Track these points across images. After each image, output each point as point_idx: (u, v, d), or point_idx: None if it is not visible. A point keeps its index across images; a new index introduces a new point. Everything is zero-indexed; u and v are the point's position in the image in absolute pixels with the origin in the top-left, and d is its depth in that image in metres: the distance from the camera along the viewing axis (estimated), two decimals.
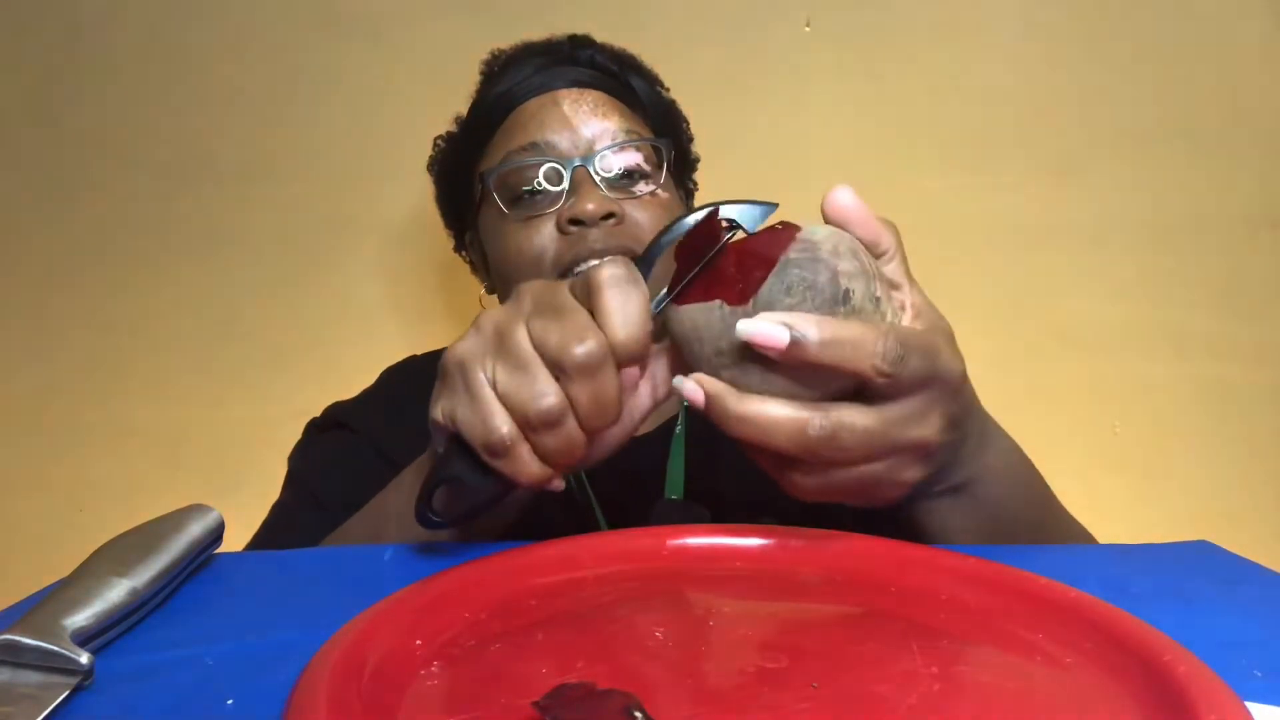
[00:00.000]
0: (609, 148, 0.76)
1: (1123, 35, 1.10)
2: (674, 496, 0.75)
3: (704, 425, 0.47)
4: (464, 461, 0.47)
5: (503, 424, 0.45)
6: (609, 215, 0.73)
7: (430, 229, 0.98)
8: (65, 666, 0.35)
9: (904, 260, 0.49)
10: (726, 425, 0.45)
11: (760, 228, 0.48)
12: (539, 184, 0.75)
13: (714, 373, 0.45)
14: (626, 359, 0.45)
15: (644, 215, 0.75)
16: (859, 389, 0.45)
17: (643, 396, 0.50)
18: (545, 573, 0.45)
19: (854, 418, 0.44)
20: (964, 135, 1.12)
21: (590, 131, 0.77)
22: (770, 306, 0.43)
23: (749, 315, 0.43)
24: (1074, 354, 1.13)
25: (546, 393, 0.44)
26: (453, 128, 0.88)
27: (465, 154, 0.84)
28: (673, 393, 0.48)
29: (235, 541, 0.55)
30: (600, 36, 0.86)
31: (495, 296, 0.85)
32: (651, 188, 0.77)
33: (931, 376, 0.45)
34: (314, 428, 0.84)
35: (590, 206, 0.72)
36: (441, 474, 0.48)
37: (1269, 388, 1.11)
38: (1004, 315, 1.12)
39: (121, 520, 0.48)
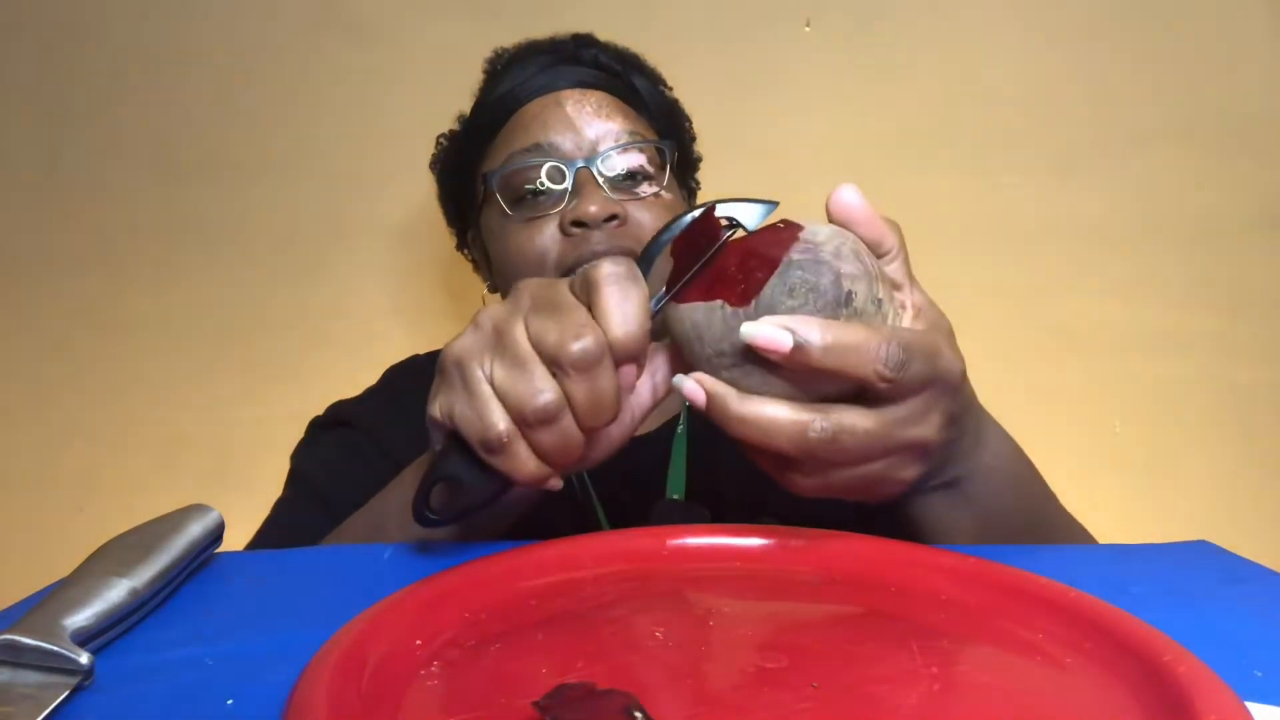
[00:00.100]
0: (612, 149, 0.76)
1: (1123, 35, 1.10)
2: (675, 496, 0.75)
3: (706, 425, 0.47)
4: (461, 459, 0.47)
5: (500, 420, 0.45)
6: (612, 217, 0.73)
7: (432, 228, 0.98)
8: (65, 666, 0.35)
9: (906, 260, 0.49)
10: (727, 426, 0.45)
11: (761, 226, 0.48)
12: (542, 185, 0.75)
13: (714, 372, 0.45)
14: (624, 357, 0.45)
15: (647, 216, 0.75)
16: (859, 389, 0.45)
17: (642, 395, 0.49)
18: (545, 573, 0.45)
19: (855, 420, 0.44)
20: (964, 135, 1.12)
21: (593, 133, 0.77)
22: (772, 308, 0.43)
23: (751, 316, 0.43)
24: (1074, 354, 1.13)
25: (544, 389, 0.44)
26: (455, 126, 0.88)
27: (468, 153, 0.84)
28: (673, 392, 0.48)
29: (235, 541, 0.55)
30: (601, 37, 0.86)
31: (498, 295, 0.85)
32: (655, 189, 0.77)
33: (932, 378, 0.45)
34: (317, 426, 0.84)
35: (593, 208, 0.72)
36: (439, 472, 0.48)
37: (1269, 388, 1.11)
38: (1004, 315, 1.12)
39: (121, 520, 0.48)
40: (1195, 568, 0.51)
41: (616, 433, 0.49)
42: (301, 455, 0.82)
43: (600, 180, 0.75)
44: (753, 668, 0.37)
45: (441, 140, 0.90)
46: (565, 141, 0.76)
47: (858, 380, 0.44)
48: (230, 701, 0.35)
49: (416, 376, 0.81)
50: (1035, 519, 0.58)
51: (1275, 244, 1.11)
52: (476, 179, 0.82)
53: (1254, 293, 1.11)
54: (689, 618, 0.43)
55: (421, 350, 0.90)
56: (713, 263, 0.47)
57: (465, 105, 0.86)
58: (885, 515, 0.55)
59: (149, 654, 0.39)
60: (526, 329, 0.46)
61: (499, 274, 0.81)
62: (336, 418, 0.83)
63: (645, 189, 0.77)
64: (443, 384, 0.48)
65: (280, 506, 0.78)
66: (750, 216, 0.49)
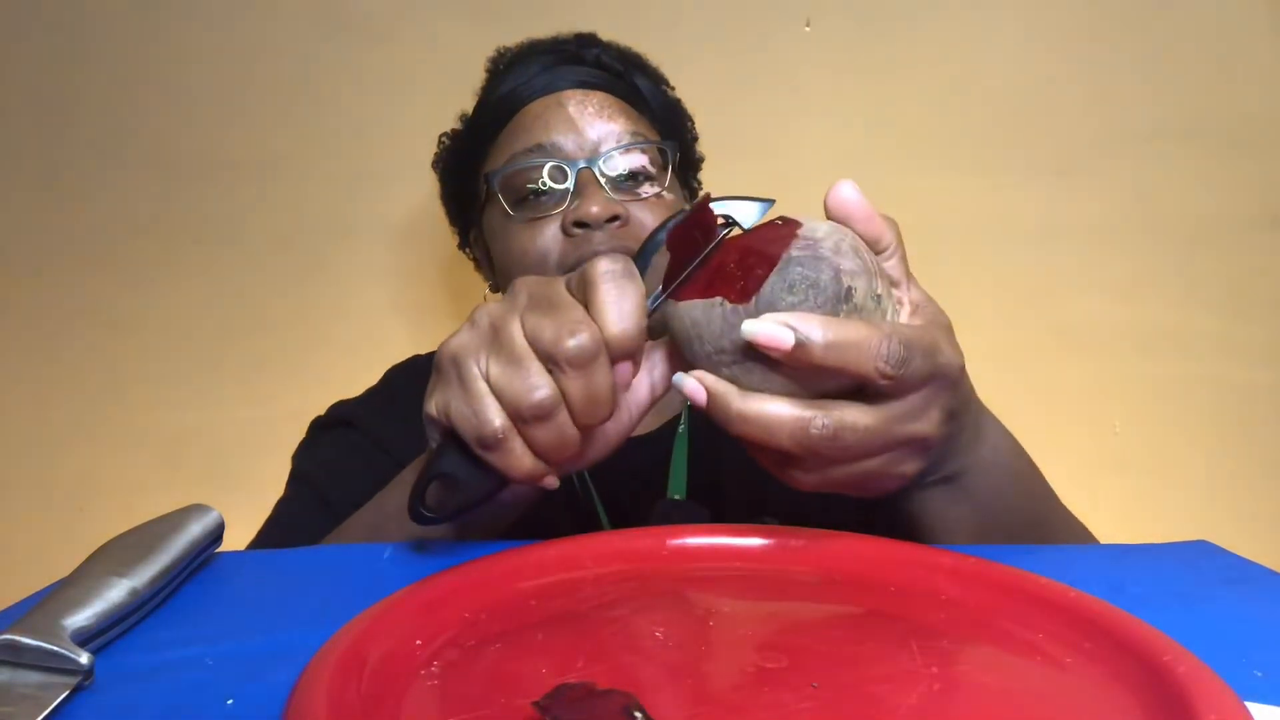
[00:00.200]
0: (614, 149, 0.76)
1: (1123, 36, 1.10)
2: (677, 496, 0.75)
3: (706, 424, 0.47)
4: (458, 456, 0.47)
5: (495, 416, 0.45)
6: (614, 218, 0.73)
7: (433, 228, 0.98)
8: (65, 666, 0.35)
9: (904, 257, 0.49)
10: (728, 423, 0.45)
11: (759, 223, 0.48)
12: (544, 185, 0.75)
13: (714, 370, 0.45)
14: (620, 353, 0.45)
15: (649, 217, 0.75)
16: (859, 385, 0.45)
17: (641, 392, 0.49)
18: (545, 573, 0.45)
19: (856, 417, 0.44)
20: (964, 135, 1.12)
21: (595, 133, 0.77)
22: (773, 305, 0.43)
23: (751, 313, 0.43)
24: (1074, 354, 1.13)
25: (539, 385, 0.44)
26: (458, 125, 0.88)
27: (470, 153, 0.84)
28: (672, 390, 0.48)
29: (235, 541, 0.55)
30: (602, 36, 0.86)
31: (500, 295, 0.85)
32: (656, 189, 0.77)
33: (932, 374, 0.45)
34: (318, 426, 0.85)
35: (595, 209, 0.72)
36: (435, 469, 0.48)
37: (1270, 388, 1.12)
38: (1004, 315, 1.12)
39: (121, 520, 0.48)
40: (1195, 568, 0.51)
41: (614, 431, 0.49)
42: (302, 455, 0.83)
43: (602, 181, 0.75)
44: (753, 668, 0.37)
45: (443, 140, 0.90)
46: (567, 142, 0.76)
47: (859, 377, 0.44)
48: (230, 701, 0.35)
49: (417, 376, 0.81)
50: (1035, 515, 0.58)
51: (1275, 244, 1.11)
52: (478, 179, 0.82)
53: (1254, 293, 1.12)
54: (689, 618, 0.43)
55: (423, 350, 0.91)
56: (710, 259, 0.47)
57: (467, 104, 0.86)
58: (885, 514, 0.55)
59: (149, 654, 0.39)
60: (523, 326, 0.46)
61: (501, 274, 0.81)
62: (338, 418, 0.83)
63: (647, 189, 0.77)
64: (439, 381, 0.48)
65: (281, 506, 0.78)
66: (746, 215, 0.49)
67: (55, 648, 0.35)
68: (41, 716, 0.33)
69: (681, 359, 0.48)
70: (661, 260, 0.49)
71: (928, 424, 0.47)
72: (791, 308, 0.43)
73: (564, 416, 0.45)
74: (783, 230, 0.45)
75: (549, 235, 0.75)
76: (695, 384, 0.45)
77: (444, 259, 1.14)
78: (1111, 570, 0.49)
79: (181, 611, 0.44)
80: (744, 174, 0.97)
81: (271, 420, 1.08)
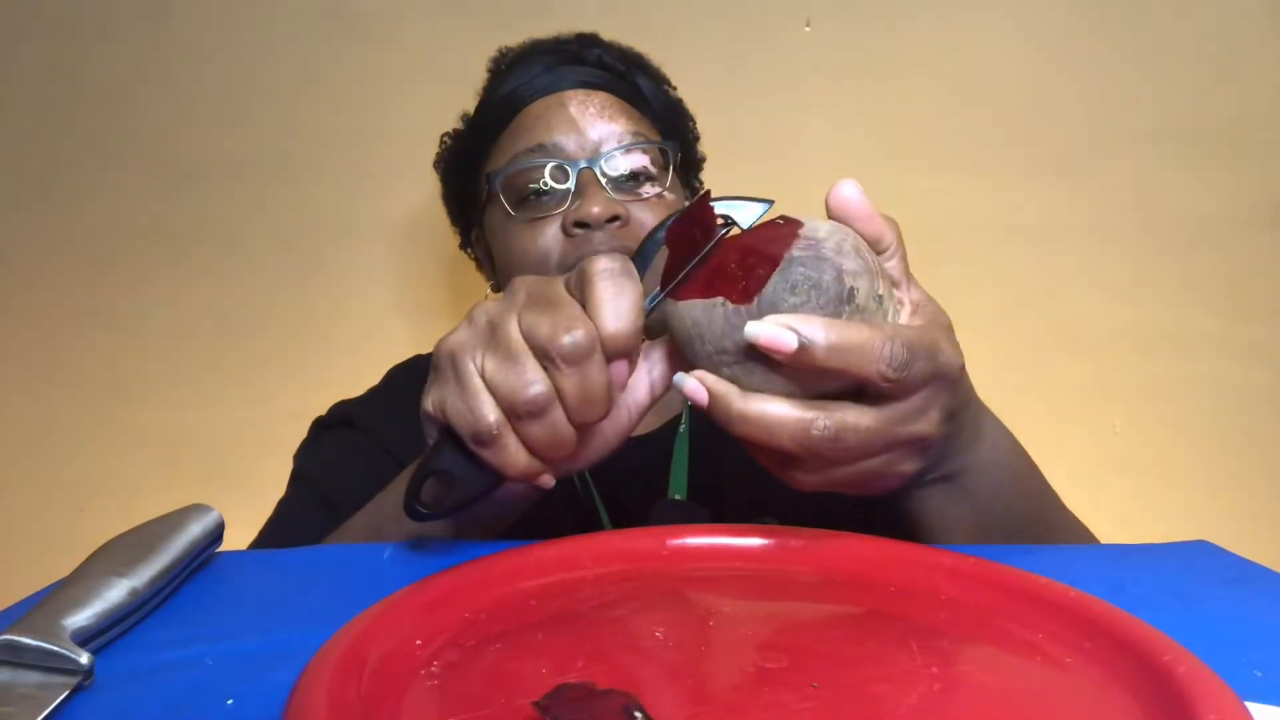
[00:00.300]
0: (615, 150, 0.76)
1: (1122, 36, 1.10)
2: (678, 496, 0.75)
3: (707, 424, 0.47)
4: (454, 453, 0.47)
5: (490, 413, 0.45)
6: (614, 218, 0.73)
7: (435, 228, 0.98)
8: (65, 666, 0.35)
9: (904, 256, 0.49)
10: (729, 424, 0.45)
11: (759, 223, 0.48)
12: (545, 185, 0.75)
13: (715, 370, 0.45)
14: (615, 351, 0.45)
15: (650, 217, 0.75)
16: (860, 387, 0.45)
17: (640, 392, 0.49)
18: (545, 573, 0.45)
19: (857, 418, 0.44)
20: (964, 135, 1.12)
21: (597, 134, 0.77)
22: (775, 305, 0.43)
23: (753, 314, 0.43)
24: (1074, 354, 1.13)
25: (533, 381, 0.44)
26: (459, 125, 0.88)
27: (472, 153, 0.84)
28: (673, 390, 0.48)
29: (235, 541, 0.55)
30: (602, 37, 0.86)
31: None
32: (658, 189, 0.77)
33: (933, 375, 0.45)
34: (320, 426, 0.85)
35: (595, 209, 0.72)
36: (431, 465, 0.48)
37: (1269, 388, 1.12)
38: (1004, 315, 1.12)
39: (121, 520, 0.48)
40: (1195, 568, 0.51)
41: (612, 431, 0.49)
42: (304, 455, 0.83)
43: (603, 181, 0.75)
44: (753, 668, 0.37)
45: (445, 139, 0.90)
46: (568, 142, 0.77)
47: (861, 380, 0.44)
48: (230, 701, 0.35)
49: (419, 376, 0.81)
50: (1034, 513, 0.58)
51: (1275, 244, 1.11)
52: (480, 178, 0.82)
53: (1254, 293, 1.12)
54: (689, 618, 0.43)
55: (424, 350, 0.90)
56: (710, 258, 0.47)
57: (468, 105, 0.86)
58: (885, 514, 0.55)
59: (149, 654, 0.39)
60: (519, 323, 0.46)
61: (502, 274, 0.81)
62: (339, 417, 0.83)
63: (648, 190, 0.77)
64: (436, 378, 0.48)
65: (282, 506, 0.78)
66: (745, 215, 0.49)
67: (55, 648, 0.35)
68: (41, 716, 0.33)
69: (681, 358, 0.48)
70: (660, 260, 0.49)
71: (928, 424, 0.47)
72: (794, 308, 0.43)
73: (558, 413, 0.45)
74: (784, 230, 0.45)
75: (550, 235, 0.75)
76: (696, 384, 0.45)
77: (445, 259, 1.14)
78: (1111, 570, 0.49)
79: (181, 611, 0.44)
80: (744, 174, 0.97)
81: (271, 420, 1.08)
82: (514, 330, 0.45)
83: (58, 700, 0.34)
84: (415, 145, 0.96)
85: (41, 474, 1.18)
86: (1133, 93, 1.10)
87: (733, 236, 0.48)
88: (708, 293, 0.45)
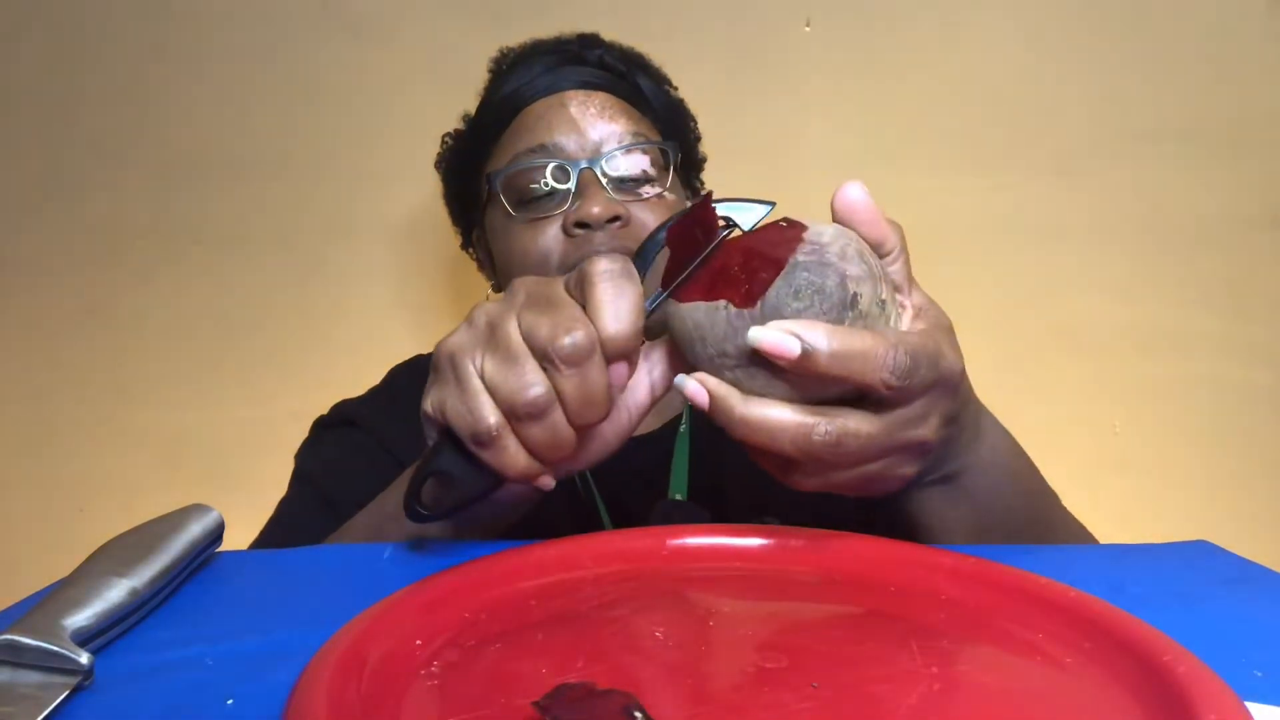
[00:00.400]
0: (616, 150, 0.76)
1: (1122, 36, 1.10)
2: (678, 496, 0.75)
3: (708, 424, 0.47)
4: (453, 454, 0.47)
5: (490, 414, 0.45)
6: (614, 218, 0.73)
7: (435, 229, 0.98)
8: (65, 666, 0.35)
9: (907, 261, 0.49)
10: (730, 427, 0.45)
11: (762, 225, 0.48)
12: (546, 185, 0.75)
13: (717, 373, 0.45)
14: (615, 353, 0.45)
15: (650, 218, 0.75)
16: (862, 392, 0.45)
17: (640, 393, 0.49)
18: (545, 573, 0.45)
19: (858, 424, 0.44)
20: (964, 135, 1.12)
21: (597, 134, 0.77)
22: (778, 310, 0.43)
23: (756, 319, 0.43)
24: (1074, 354, 1.13)
25: (534, 383, 0.44)
26: (461, 125, 0.88)
27: (473, 153, 0.84)
28: (673, 391, 0.48)
29: (235, 541, 0.55)
30: (603, 37, 0.86)
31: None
32: (658, 190, 0.78)
33: (935, 381, 0.45)
34: (321, 426, 0.85)
35: (596, 210, 0.72)
36: (430, 466, 0.48)
37: (1269, 388, 1.11)
38: (1004, 315, 1.12)
39: (121, 520, 0.48)
40: (1195, 568, 0.51)
41: (611, 432, 0.49)
42: (305, 455, 0.83)
43: (603, 181, 0.75)
44: (753, 668, 0.37)
45: (447, 140, 0.90)
46: (569, 142, 0.77)
47: (864, 387, 0.44)
48: (230, 701, 0.35)
49: (420, 376, 0.81)
50: (1034, 514, 0.58)
51: (1275, 244, 1.11)
52: (481, 179, 0.82)
53: (1254, 293, 1.12)
54: (689, 618, 0.43)
55: (425, 350, 0.90)
56: (712, 260, 0.47)
57: (469, 105, 0.86)
58: (885, 514, 0.55)
59: (149, 654, 0.39)
60: (519, 324, 0.46)
61: (502, 274, 0.81)
62: (341, 417, 0.83)
63: (648, 190, 0.77)
64: (436, 379, 0.48)
65: (284, 506, 0.78)
66: (747, 217, 0.49)
67: (55, 648, 0.35)
68: (41, 716, 0.33)
69: (682, 359, 0.48)
70: (661, 261, 0.48)
71: (928, 429, 0.47)
72: (797, 314, 0.43)
73: (558, 415, 0.45)
74: (788, 233, 0.45)
75: (550, 235, 0.75)
76: (697, 386, 0.45)
77: (445, 259, 1.14)
78: (1111, 570, 0.49)
79: (181, 611, 0.44)
80: (743, 174, 0.97)
81: (271, 420, 1.08)
82: (514, 331, 0.45)
83: (58, 700, 0.34)
84: (415, 145, 0.96)
85: (41, 474, 1.18)
86: (1133, 93, 1.10)
87: (735, 238, 0.48)
88: (710, 295, 0.45)
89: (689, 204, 0.84)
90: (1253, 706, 0.31)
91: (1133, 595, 0.45)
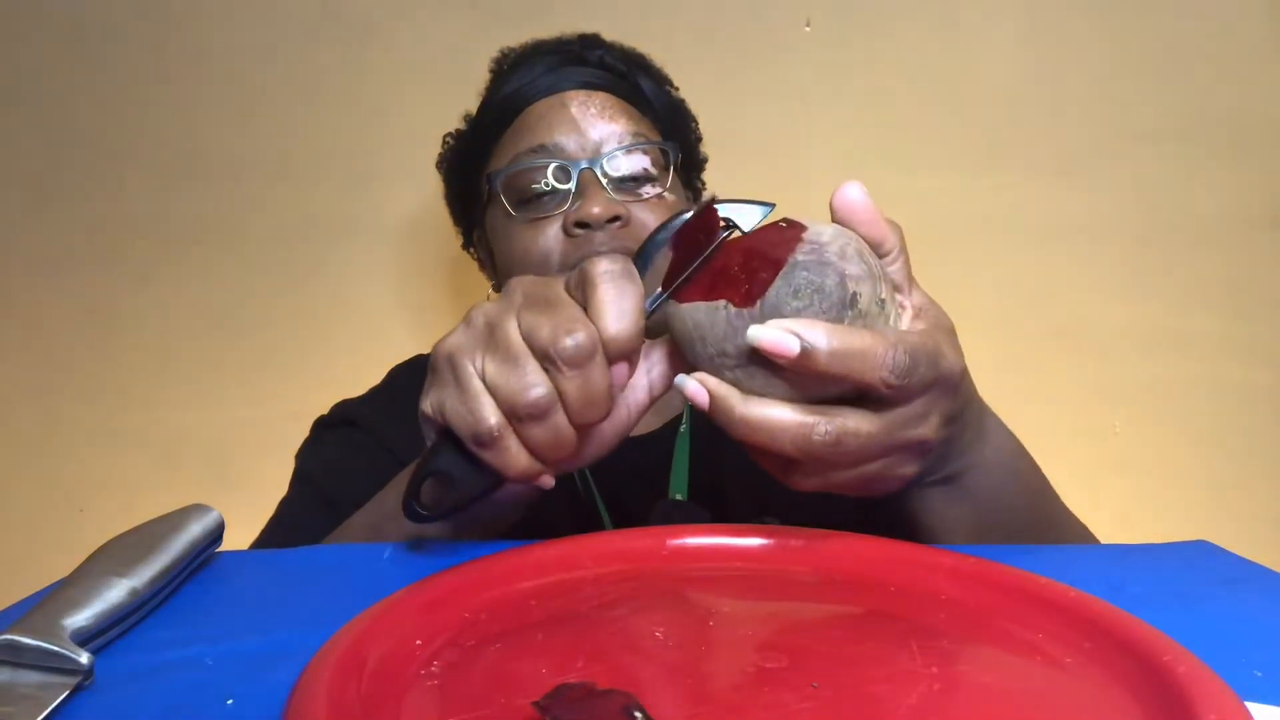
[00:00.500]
0: (616, 150, 0.76)
1: (1123, 35, 1.10)
2: (679, 496, 0.75)
3: (709, 424, 0.47)
4: (453, 455, 0.47)
5: (491, 415, 0.45)
6: (615, 218, 0.73)
7: (437, 229, 0.98)
8: (65, 666, 0.35)
9: (907, 261, 0.49)
10: (730, 427, 0.45)
11: (762, 225, 0.48)
12: (546, 185, 0.75)
13: (717, 373, 0.45)
14: (617, 354, 0.45)
15: (651, 218, 0.75)
16: (861, 392, 0.45)
17: (640, 392, 0.49)
18: (545, 573, 0.45)
19: (858, 424, 0.44)
20: (964, 135, 1.12)
21: (598, 134, 0.77)
22: (778, 309, 0.43)
23: (755, 318, 0.43)
24: (1074, 354, 1.13)
25: (535, 384, 0.44)
26: (462, 125, 0.88)
27: (474, 153, 0.84)
28: (673, 390, 0.48)
29: (235, 541, 0.55)
30: (604, 37, 0.86)
31: None
32: (658, 190, 0.78)
33: (935, 381, 0.45)
34: (322, 426, 0.85)
35: (596, 210, 0.72)
36: (430, 467, 0.48)
37: (1269, 388, 1.12)
38: (1004, 315, 1.12)
39: (121, 520, 0.48)
40: (1195, 568, 0.51)
41: (611, 431, 0.49)
42: (306, 455, 0.83)
43: (604, 181, 0.75)
44: (753, 668, 0.37)
45: (448, 140, 0.90)
46: (570, 142, 0.77)
47: (864, 386, 0.44)
48: (230, 701, 0.35)
49: (421, 376, 0.81)
50: (1035, 514, 0.58)
51: (1275, 244, 1.11)
52: (482, 179, 0.82)
53: (1254, 293, 1.12)
54: (689, 618, 0.43)
55: (425, 350, 0.90)
56: (713, 261, 0.47)
57: (472, 104, 0.86)
58: (885, 514, 0.55)
59: (149, 654, 0.39)
60: (519, 324, 0.46)
61: (503, 274, 0.81)
62: (341, 417, 0.83)
63: (649, 190, 0.77)
64: (434, 380, 0.48)
65: (284, 506, 0.78)
66: (747, 218, 0.49)
67: (55, 648, 0.35)
68: (41, 716, 0.33)
69: (682, 359, 0.48)
70: (661, 261, 0.49)
71: (928, 429, 0.47)
72: (796, 313, 0.43)
73: (560, 416, 0.45)
74: (787, 233, 0.45)
75: (551, 235, 0.75)
76: (697, 386, 0.45)
77: (446, 259, 1.14)
78: (1111, 570, 0.49)
79: (181, 611, 0.44)
80: (743, 173, 0.97)
81: (271, 420, 1.08)
82: (513, 332, 0.45)
83: (58, 700, 0.34)
84: (415, 145, 0.96)
85: (41, 474, 1.18)
86: (1133, 93, 1.10)
87: (735, 239, 0.48)
88: (710, 295, 0.45)
89: (689, 204, 0.84)
90: (1253, 706, 0.31)
91: (1133, 595, 0.45)
